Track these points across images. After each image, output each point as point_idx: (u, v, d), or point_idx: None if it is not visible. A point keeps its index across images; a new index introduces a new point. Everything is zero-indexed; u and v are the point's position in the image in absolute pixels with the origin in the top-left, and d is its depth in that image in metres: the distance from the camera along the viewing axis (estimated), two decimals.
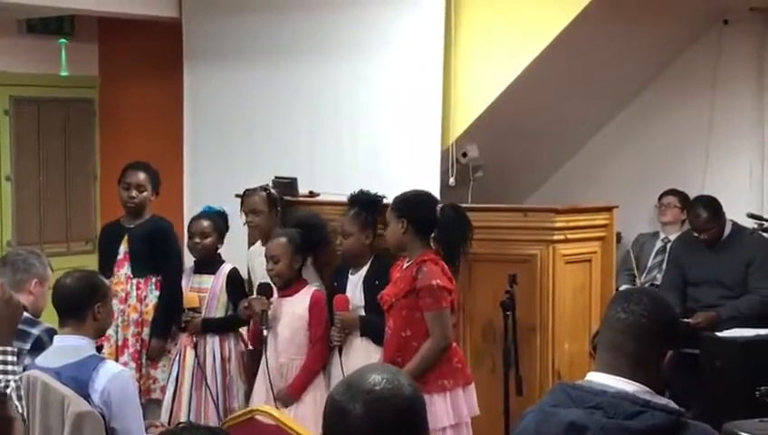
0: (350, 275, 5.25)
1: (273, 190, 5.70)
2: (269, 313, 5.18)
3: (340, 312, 5.11)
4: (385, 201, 5.20)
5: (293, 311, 5.19)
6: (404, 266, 4.70)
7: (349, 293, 5.20)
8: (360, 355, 4.96)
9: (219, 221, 5.65)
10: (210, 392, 5.39)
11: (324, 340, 5.17)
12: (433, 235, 4.71)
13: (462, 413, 4.59)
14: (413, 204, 4.72)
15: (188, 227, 5.70)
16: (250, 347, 5.51)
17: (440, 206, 4.72)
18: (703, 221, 6.38)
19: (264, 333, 5.17)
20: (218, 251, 5.67)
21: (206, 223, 5.61)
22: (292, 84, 6.88)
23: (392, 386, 2.11)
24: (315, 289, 5.26)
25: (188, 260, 5.86)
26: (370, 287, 5.08)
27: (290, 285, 5.23)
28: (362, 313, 5.16)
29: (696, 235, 6.45)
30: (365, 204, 5.25)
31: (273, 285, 5.24)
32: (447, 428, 4.53)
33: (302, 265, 5.27)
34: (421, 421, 2.13)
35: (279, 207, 5.67)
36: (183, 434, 2.19)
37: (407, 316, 4.60)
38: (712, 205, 6.40)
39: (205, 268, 5.62)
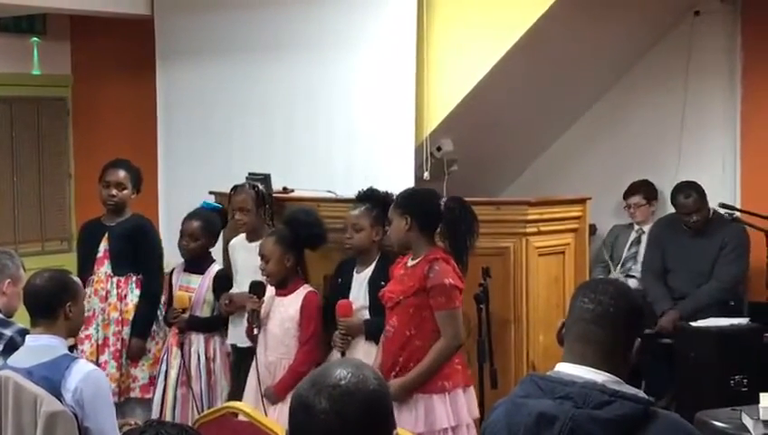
0: (355, 274, 5.14)
1: (261, 187, 5.66)
2: (260, 312, 5.11)
3: (345, 318, 4.97)
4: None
5: (286, 311, 5.11)
6: (409, 264, 4.60)
7: (353, 291, 5.10)
8: (363, 357, 4.78)
9: (213, 222, 5.61)
10: (193, 393, 5.38)
11: (313, 341, 5.09)
12: (438, 230, 4.60)
13: (462, 415, 4.52)
14: (416, 200, 4.63)
15: (182, 224, 5.64)
16: (248, 344, 5.38)
17: (444, 200, 4.61)
18: (693, 201, 6.43)
19: (255, 331, 5.11)
20: (209, 251, 5.64)
21: (196, 224, 5.55)
22: (266, 80, 6.87)
23: (357, 380, 2.09)
24: (309, 290, 5.16)
25: (178, 257, 5.81)
26: (376, 288, 4.91)
27: (285, 284, 5.15)
28: (366, 313, 5.05)
29: (686, 219, 6.47)
30: (375, 200, 5.15)
31: (265, 283, 5.16)
32: (448, 429, 4.47)
33: (297, 262, 5.17)
34: (387, 415, 2.12)
35: (267, 205, 5.64)
36: (148, 431, 2.18)
37: (413, 315, 4.51)
38: (697, 187, 6.48)
39: (194, 267, 5.62)
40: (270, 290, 5.18)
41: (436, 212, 4.56)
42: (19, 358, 3.79)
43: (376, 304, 4.90)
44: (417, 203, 4.60)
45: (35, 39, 7.49)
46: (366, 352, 4.92)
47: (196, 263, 5.62)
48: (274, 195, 5.88)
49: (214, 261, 5.67)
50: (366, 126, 6.51)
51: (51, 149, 8.36)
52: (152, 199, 7.20)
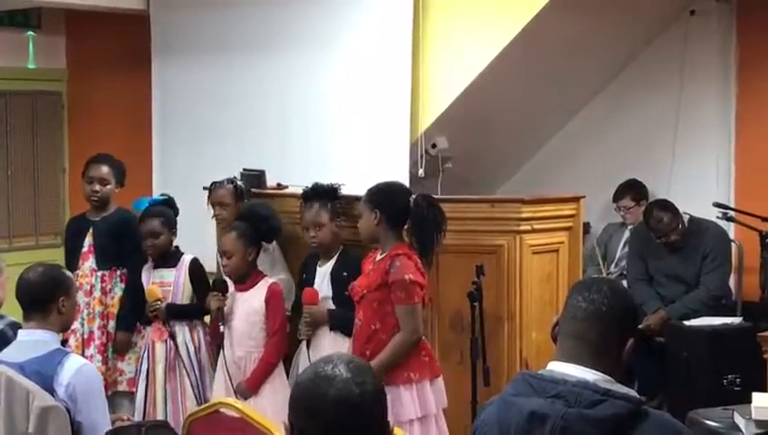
0: (318, 267, 5.24)
1: (239, 183, 5.69)
2: (225, 308, 5.17)
3: (309, 305, 5.09)
4: (343, 190, 5.27)
5: (250, 305, 5.17)
6: (377, 259, 4.67)
7: (317, 284, 5.19)
8: (329, 347, 4.94)
9: (168, 215, 5.58)
10: (190, 381, 5.38)
11: (281, 332, 5.17)
12: (406, 226, 4.67)
13: (429, 406, 4.58)
14: (386, 195, 4.69)
15: (139, 228, 5.60)
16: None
17: (413, 196, 4.67)
18: (668, 223, 6.36)
19: (221, 328, 5.17)
20: (174, 244, 5.62)
21: (155, 222, 5.51)
22: (261, 76, 6.87)
23: (361, 362, 2.21)
24: (272, 282, 5.23)
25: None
26: (339, 279, 5.10)
27: (245, 278, 5.22)
28: (330, 304, 5.15)
29: (663, 240, 6.40)
30: (325, 195, 5.26)
31: (227, 280, 5.25)
32: (414, 420, 4.52)
33: (257, 256, 5.25)
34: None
35: (246, 200, 5.66)
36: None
37: (377, 309, 4.58)
38: (669, 205, 6.41)
39: (164, 263, 5.58)
40: (230, 286, 5.24)
41: (405, 208, 4.62)
42: (11, 352, 3.78)
43: (340, 296, 5.02)
44: (387, 198, 4.66)
45: (31, 33, 7.48)
46: (331, 343, 5.02)
47: (165, 259, 5.58)
48: (269, 191, 5.89)
49: (182, 253, 5.64)
50: (361, 123, 6.51)
51: (45, 143, 8.36)
52: (146, 194, 7.18)
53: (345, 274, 5.05)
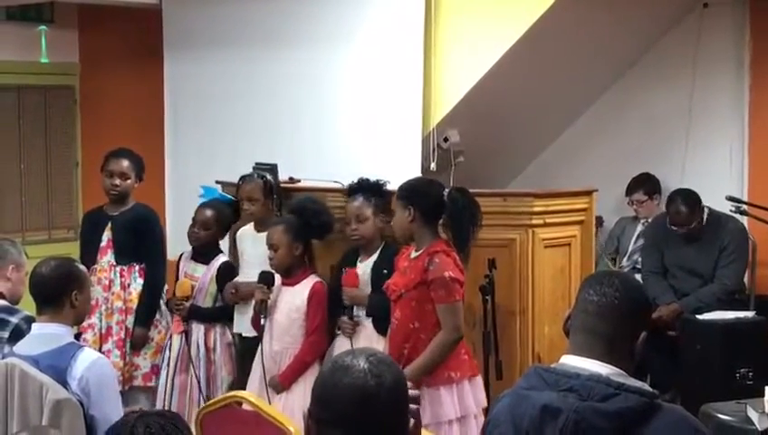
0: (358, 263, 5.14)
1: (269, 177, 5.67)
2: (268, 302, 5.12)
3: (349, 288, 5.02)
4: (388, 187, 5.17)
5: (292, 301, 5.11)
6: (411, 256, 4.59)
7: None
8: (365, 344, 4.89)
9: (225, 213, 5.63)
10: (197, 378, 5.39)
11: (320, 331, 5.10)
12: (441, 221, 4.59)
13: (469, 406, 4.52)
14: (419, 191, 4.60)
15: (195, 212, 5.65)
16: (253, 334, 5.38)
17: (447, 190, 4.58)
18: (684, 216, 6.36)
19: (262, 321, 5.11)
20: (218, 242, 5.66)
21: (209, 213, 5.58)
22: (273, 71, 6.88)
23: (387, 357, 2.16)
24: (317, 280, 5.16)
25: (186, 246, 5.80)
26: (379, 276, 4.97)
27: (292, 273, 5.16)
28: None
29: (680, 231, 6.40)
30: (369, 190, 5.18)
31: (274, 273, 5.17)
32: (454, 421, 4.47)
33: (305, 251, 5.18)
34: (407, 399, 2.15)
35: (275, 195, 5.64)
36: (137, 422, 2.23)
37: (416, 308, 4.50)
38: (691, 198, 6.39)
39: (201, 257, 5.63)
40: (277, 279, 5.18)
41: (439, 203, 4.53)
42: (25, 346, 3.79)
43: (379, 292, 4.90)
44: (421, 194, 4.57)
45: (43, 27, 7.50)
46: (366, 339, 4.96)
47: (204, 253, 5.64)
48: (292, 185, 5.88)
49: (221, 252, 5.68)
50: (373, 116, 6.51)
51: (58, 137, 8.37)
52: (159, 188, 7.22)
53: (385, 271, 4.91)
